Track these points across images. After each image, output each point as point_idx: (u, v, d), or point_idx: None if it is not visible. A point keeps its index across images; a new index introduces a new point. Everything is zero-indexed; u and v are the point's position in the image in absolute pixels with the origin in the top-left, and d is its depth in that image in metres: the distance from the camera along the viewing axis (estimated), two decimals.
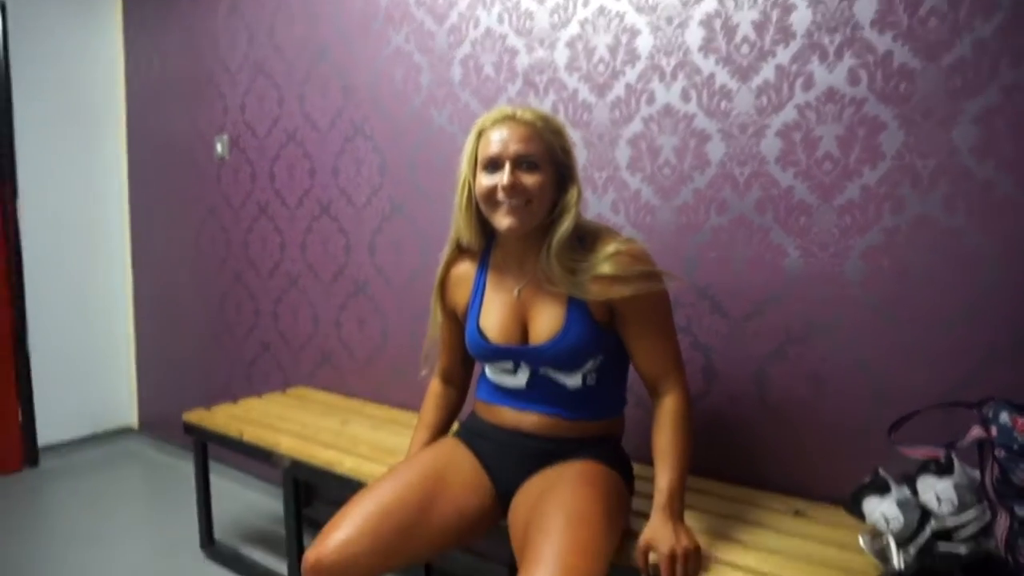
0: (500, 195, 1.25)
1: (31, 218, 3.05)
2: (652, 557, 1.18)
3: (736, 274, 1.55)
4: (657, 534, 1.17)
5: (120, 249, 3.39)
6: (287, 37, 2.50)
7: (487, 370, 1.42)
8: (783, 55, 1.47)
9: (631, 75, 1.68)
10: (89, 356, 3.32)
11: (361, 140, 2.30)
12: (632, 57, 1.68)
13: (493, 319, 1.36)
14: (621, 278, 1.23)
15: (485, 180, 1.27)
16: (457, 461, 1.38)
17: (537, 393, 1.34)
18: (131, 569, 2.18)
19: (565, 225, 1.26)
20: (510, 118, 1.27)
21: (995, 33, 1.24)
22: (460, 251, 1.43)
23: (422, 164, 2.14)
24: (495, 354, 1.35)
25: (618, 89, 1.71)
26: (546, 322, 1.30)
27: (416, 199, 2.17)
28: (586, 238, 1.29)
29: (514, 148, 1.25)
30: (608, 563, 1.13)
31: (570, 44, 1.78)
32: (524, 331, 1.34)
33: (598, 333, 1.29)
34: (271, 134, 2.61)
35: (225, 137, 2.79)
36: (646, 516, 1.37)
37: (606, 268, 1.23)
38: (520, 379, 1.35)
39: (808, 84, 1.44)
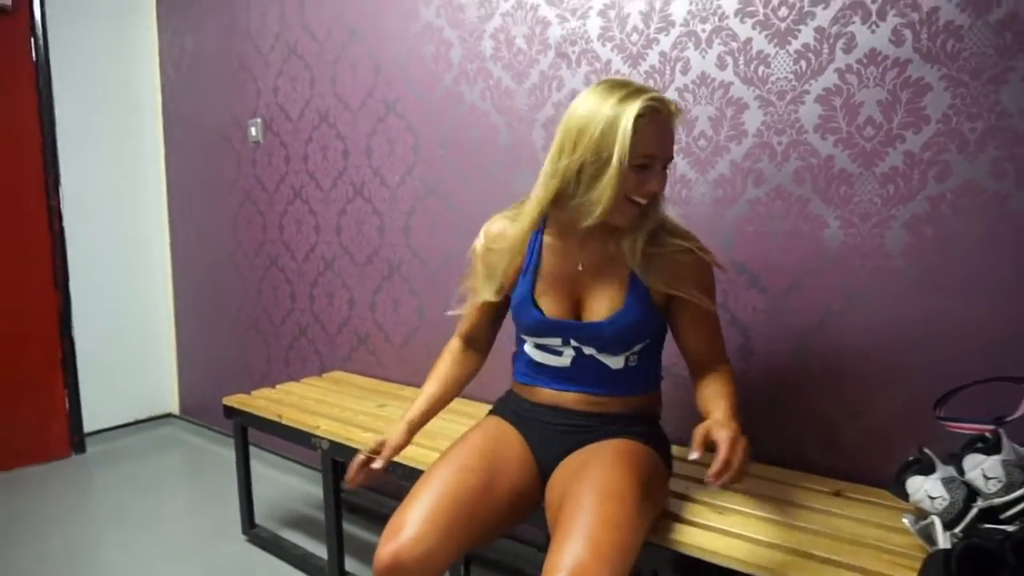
0: (642, 198, 1.26)
1: (73, 207, 3.23)
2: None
3: (774, 248, 1.57)
4: (719, 422, 1.17)
5: (159, 235, 3.57)
6: (317, 16, 2.59)
7: (528, 347, 1.46)
8: (823, 16, 1.47)
9: (665, 43, 1.71)
10: (131, 343, 3.51)
11: (393, 119, 2.37)
12: (667, 24, 1.70)
13: (549, 293, 1.40)
14: (687, 268, 1.32)
15: (632, 175, 1.24)
16: (506, 440, 1.42)
17: (579, 373, 1.39)
18: (175, 552, 2.33)
19: (658, 218, 1.33)
20: (667, 112, 1.25)
21: None
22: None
23: (454, 143, 2.20)
24: (549, 329, 1.39)
25: (652, 58, 1.73)
26: (605, 301, 1.35)
27: (449, 178, 2.23)
28: (664, 227, 1.35)
29: (669, 152, 1.28)
30: (642, 539, 1.17)
31: (602, 13, 1.81)
32: (576, 308, 1.39)
33: (653, 316, 1.36)
34: (304, 116, 2.70)
35: (259, 120, 2.90)
36: (685, 497, 1.42)
37: (679, 257, 1.32)
38: (565, 359, 1.40)
39: (849, 46, 1.45)
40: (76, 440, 3.30)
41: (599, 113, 1.22)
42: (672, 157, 1.29)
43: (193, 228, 3.40)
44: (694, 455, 1.11)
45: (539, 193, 1.33)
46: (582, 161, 1.24)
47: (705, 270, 1.35)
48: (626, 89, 1.23)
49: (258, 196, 2.98)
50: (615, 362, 1.37)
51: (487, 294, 1.45)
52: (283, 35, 2.74)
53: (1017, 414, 1.03)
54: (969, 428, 1.17)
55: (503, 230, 1.44)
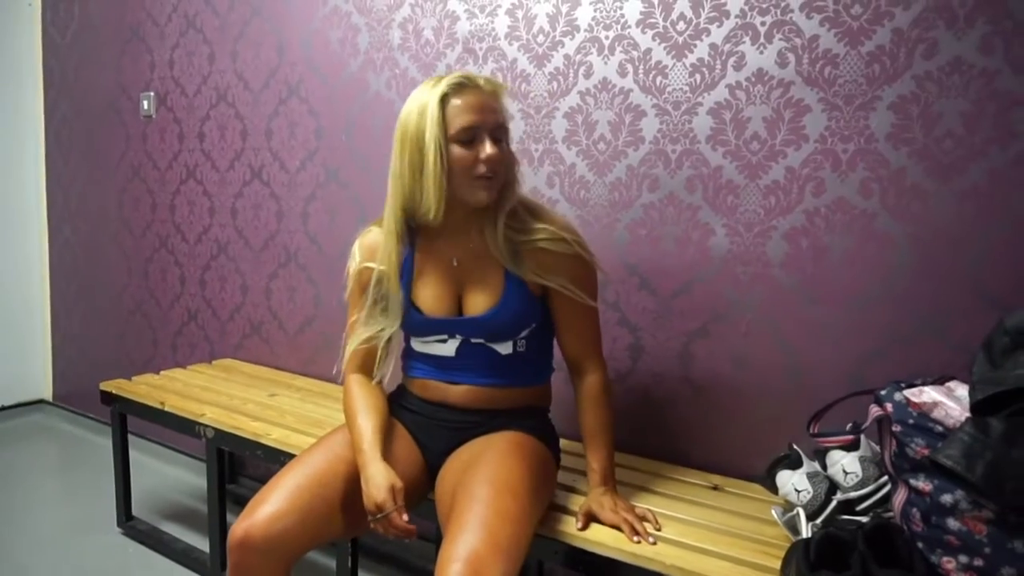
0: (483, 169, 1.27)
1: None
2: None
3: (665, 252, 1.65)
4: (596, 503, 1.32)
5: (35, 210, 3.34)
6: None
7: (413, 342, 1.46)
8: (717, 34, 1.55)
9: (570, 46, 1.75)
10: None
11: (296, 102, 2.32)
12: (572, 28, 1.74)
13: (427, 292, 1.39)
14: (558, 259, 1.33)
15: (459, 152, 1.26)
16: (389, 435, 1.40)
17: (466, 362, 1.40)
18: (44, 547, 2.20)
19: (512, 200, 1.34)
20: (474, 84, 1.28)
21: (911, 23, 1.35)
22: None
23: (358, 130, 2.18)
24: (431, 327, 1.39)
25: (557, 60, 1.77)
26: (483, 294, 1.36)
27: (352, 166, 2.21)
28: (527, 212, 1.36)
29: (492, 118, 1.28)
30: (532, 532, 1.20)
31: (510, 12, 1.84)
32: (458, 302, 1.39)
33: (534, 304, 1.38)
34: (201, 92, 2.60)
35: (152, 94, 2.77)
36: (572, 489, 1.47)
37: (547, 246, 1.32)
38: (450, 347, 1.40)
39: (740, 64, 1.53)
40: None
41: (413, 109, 1.28)
42: (500, 126, 1.29)
43: (74, 202, 3.20)
44: (579, 526, 1.31)
45: (388, 202, 1.36)
46: (409, 159, 1.28)
47: (579, 263, 1.36)
48: (434, 80, 1.30)
49: (148, 173, 2.84)
50: (503, 347, 1.39)
51: (390, 326, 1.39)
52: (181, 6, 2.63)
53: (868, 422, 1.13)
54: (836, 441, 1.28)
55: (375, 243, 1.41)
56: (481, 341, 1.38)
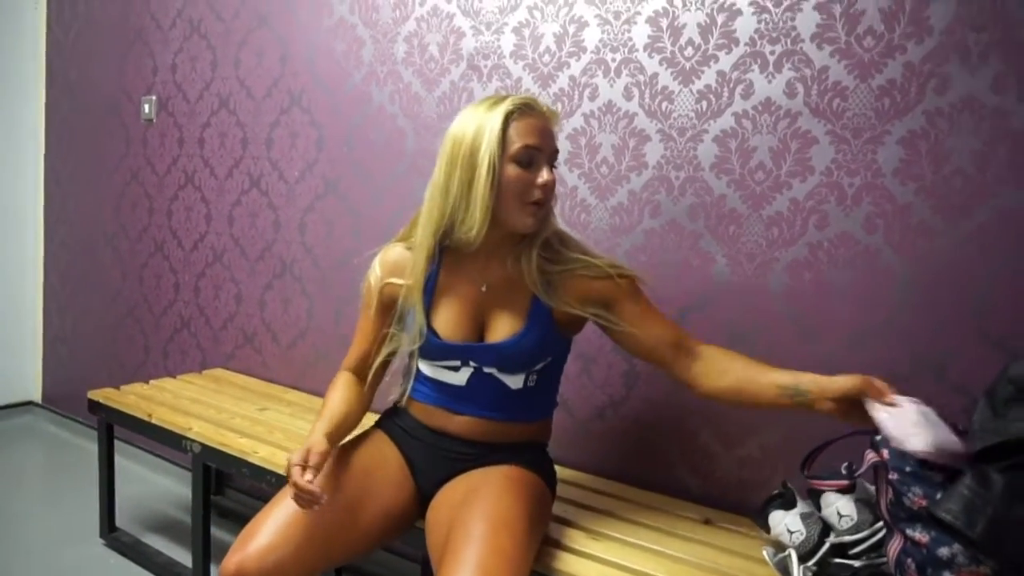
0: (538, 194, 1.25)
1: None
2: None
3: (665, 279, 1.62)
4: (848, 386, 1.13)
5: (32, 209, 3.32)
6: None
7: (423, 364, 1.41)
8: (725, 60, 1.54)
9: (576, 68, 1.74)
10: None
11: (298, 112, 2.31)
12: (579, 49, 1.73)
13: (447, 315, 1.36)
14: (599, 278, 1.31)
15: (516, 172, 1.24)
16: (384, 458, 1.39)
17: (475, 392, 1.36)
18: (26, 556, 2.17)
19: (550, 229, 1.33)
20: (539, 108, 1.27)
21: (924, 58, 1.33)
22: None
23: (359, 143, 2.16)
24: (446, 352, 1.35)
25: (562, 81, 1.76)
26: (506, 322, 1.33)
27: (351, 179, 2.19)
28: (559, 242, 1.35)
29: (552, 145, 1.27)
30: (529, 570, 1.17)
31: (517, 30, 1.83)
32: (479, 329, 1.36)
33: (556, 336, 1.35)
34: (203, 98, 2.59)
35: (153, 98, 2.75)
36: (567, 523, 1.44)
37: (585, 273, 1.31)
38: (461, 376, 1.36)
39: (747, 92, 1.52)
40: None
41: (470, 124, 1.25)
42: (556, 152, 1.29)
43: (71, 203, 3.18)
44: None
45: (424, 218, 1.32)
46: (460, 175, 1.24)
47: (623, 283, 1.32)
48: (495, 98, 1.27)
49: (146, 177, 2.82)
50: (514, 381, 1.35)
51: (410, 344, 1.37)
52: (186, 11, 2.62)
53: (863, 468, 1.10)
54: (831, 485, 1.25)
55: (400, 259, 1.40)
56: (493, 372, 1.35)
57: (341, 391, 1.40)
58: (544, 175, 1.24)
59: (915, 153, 1.35)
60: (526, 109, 1.25)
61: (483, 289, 1.35)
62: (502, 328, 1.33)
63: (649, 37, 1.63)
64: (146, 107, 2.78)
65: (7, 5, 3.15)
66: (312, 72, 2.26)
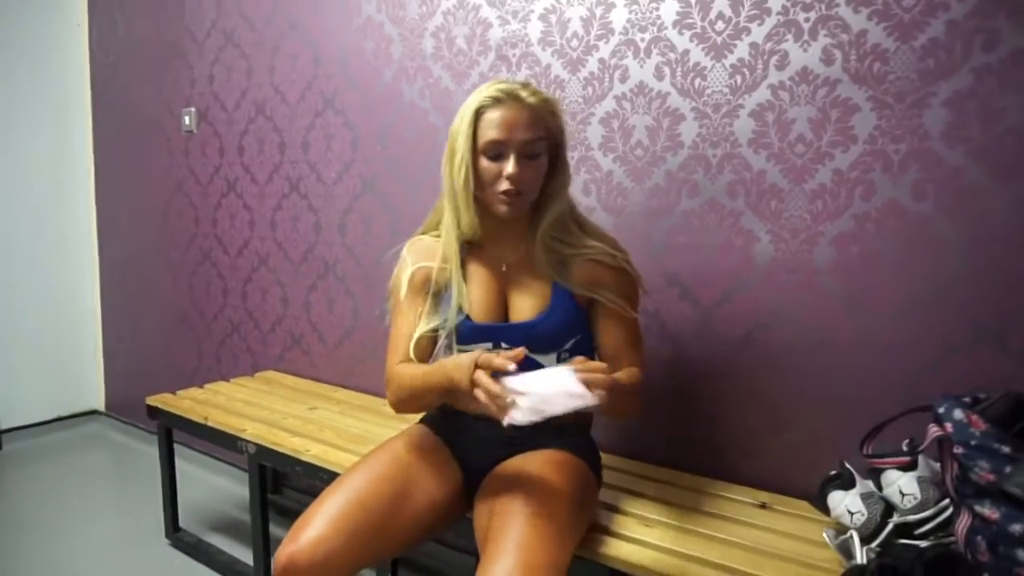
0: (504, 185, 1.27)
1: None
2: None
3: (706, 260, 1.59)
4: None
5: (86, 225, 3.43)
6: (255, 4, 2.52)
7: (456, 352, 1.40)
8: (757, 32, 1.49)
9: (605, 50, 1.71)
10: (54, 336, 3.37)
11: (332, 114, 2.33)
12: (607, 31, 1.70)
13: (474, 298, 1.37)
14: (605, 271, 1.33)
15: (486, 164, 1.28)
16: (429, 449, 1.40)
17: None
18: (93, 557, 2.24)
19: (555, 212, 1.33)
20: (512, 98, 1.27)
21: (968, 14, 1.27)
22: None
23: (392, 140, 2.17)
24: (480, 334, 1.36)
25: (592, 65, 1.73)
26: (532, 299, 1.35)
27: (387, 177, 2.20)
28: (577, 226, 1.36)
29: (520, 136, 1.26)
30: (571, 555, 1.17)
31: (543, 17, 1.80)
32: (504, 309, 1.38)
33: (580, 315, 1.36)
34: (240, 107, 2.63)
35: (193, 110, 2.81)
36: (614, 509, 1.43)
37: (596, 257, 1.33)
38: None
39: (782, 63, 1.47)
40: None
41: (457, 118, 1.31)
42: (528, 143, 1.26)
43: (122, 218, 3.28)
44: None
45: (443, 204, 1.37)
46: (447, 168, 1.32)
47: (624, 276, 1.37)
48: (483, 87, 1.30)
49: (191, 187, 2.89)
50: (547, 361, 1.35)
51: (453, 319, 1.36)
52: (219, 22, 2.66)
53: (926, 443, 1.06)
54: (892, 462, 1.21)
55: (428, 247, 1.42)
56: (526, 352, 1.34)
57: (415, 367, 1.36)
58: (508, 168, 1.26)
59: (963, 114, 1.29)
60: (496, 102, 1.27)
61: (503, 268, 1.39)
62: (526, 307, 1.35)
63: (678, 14, 1.59)
64: (186, 119, 2.84)
65: (51, 32, 3.24)
66: (344, 73, 2.27)
